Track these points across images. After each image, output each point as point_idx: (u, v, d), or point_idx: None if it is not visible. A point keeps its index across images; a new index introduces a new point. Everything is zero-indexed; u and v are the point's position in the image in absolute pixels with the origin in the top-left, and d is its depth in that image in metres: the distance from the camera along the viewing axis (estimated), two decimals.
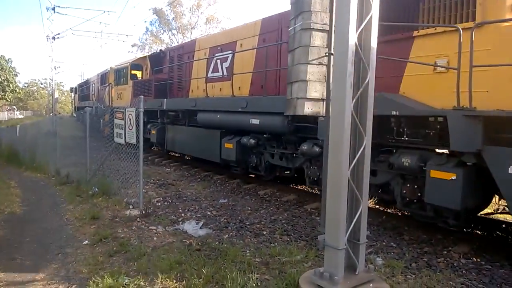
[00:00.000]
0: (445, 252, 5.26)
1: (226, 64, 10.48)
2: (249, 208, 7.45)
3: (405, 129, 5.95)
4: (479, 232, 6.25)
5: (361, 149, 3.55)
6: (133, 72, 16.85)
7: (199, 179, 10.45)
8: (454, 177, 5.03)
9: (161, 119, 13.79)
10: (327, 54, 3.57)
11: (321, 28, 3.78)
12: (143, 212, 6.87)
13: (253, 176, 10.29)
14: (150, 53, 18.69)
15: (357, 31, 3.26)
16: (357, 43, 3.27)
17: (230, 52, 10.20)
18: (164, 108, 12.92)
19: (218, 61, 10.84)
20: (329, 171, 3.51)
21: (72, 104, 40.60)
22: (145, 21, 60.29)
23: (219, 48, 10.94)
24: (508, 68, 4.59)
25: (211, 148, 10.38)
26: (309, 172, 7.63)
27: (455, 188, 5.01)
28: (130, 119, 7.61)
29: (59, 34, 28.22)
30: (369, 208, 6.89)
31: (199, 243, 5.42)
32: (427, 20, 5.75)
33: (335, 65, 3.33)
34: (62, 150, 12.67)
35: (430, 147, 5.77)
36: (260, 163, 9.17)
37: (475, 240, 5.69)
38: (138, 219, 6.62)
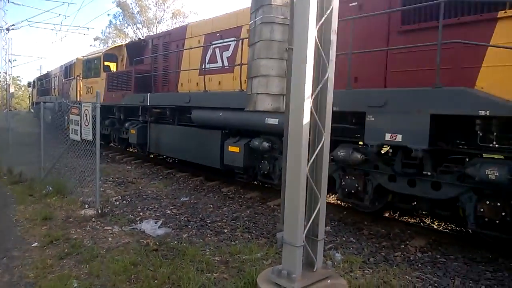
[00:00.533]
0: (402, 246, 5.36)
1: (227, 53, 9.16)
2: (211, 205, 7.32)
3: (491, 133, 4.81)
4: (435, 226, 6.42)
5: (320, 145, 3.51)
6: (106, 63, 14.93)
7: (161, 177, 10.19)
8: None
9: (142, 116, 12.02)
10: (287, 49, 3.50)
11: (282, 22, 3.71)
12: (99, 211, 6.60)
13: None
14: (127, 42, 16.30)
15: (316, 25, 3.21)
16: (316, 38, 3.22)
17: (233, 39, 8.88)
18: (147, 104, 11.23)
19: (217, 50, 9.45)
20: (288, 167, 3.45)
21: (29, 99, 38.60)
22: (108, 14, 58.22)
23: (218, 35, 9.52)
24: None
25: (210, 152, 8.97)
26: (342, 182, 6.32)
27: None
28: (86, 114, 7.29)
29: (13, 25, 26.78)
30: (330, 204, 7.00)
31: (157, 243, 5.25)
32: None
33: (294, 60, 3.27)
34: (17, 147, 12.06)
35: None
36: (274, 170, 7.73)
37: (431, 234, 5.83)
38: (93, 219, 6.35)
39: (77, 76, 17.53)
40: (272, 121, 7.14)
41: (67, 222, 6.32)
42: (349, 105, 5.83)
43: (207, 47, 9.70)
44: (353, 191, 6.21)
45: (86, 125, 7.23)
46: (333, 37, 3.35)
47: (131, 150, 14.89)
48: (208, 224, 6.13)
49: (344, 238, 5.62)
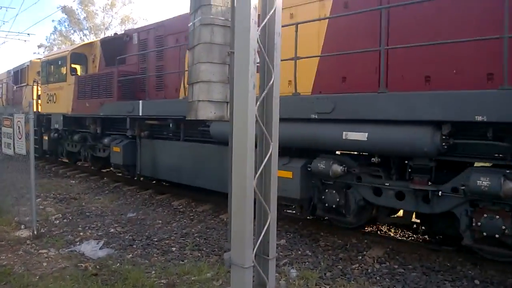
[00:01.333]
0: (360, 257, 5.19)
1: None
2: (160, 221, 6.87)
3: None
4: (392, 234, 6.34)
5: (268, 156, 3.24)
6: (73, 65, 12.32)
7: (107, 191, 9.57)
8: None
9: (131, 130, 9.48)
10: (229, 52, 3.22)
11: (223, 24, 3.43)
12: (35, 232, 6.01)
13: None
14: (102, 38, 13.15)
15: (259, 27, 2.95)
16: (259, 40, 2.95)
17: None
18: (139, 114, 8.85)
19: None
20: (233, 181, 3.14)
21: None
22: (52, 20, 55.54)
23: None
24: None
25: None
26: (474, 223, 4.57)
27: None
28: (19, 127, 6.67)
29: None
30: (285, 215, 6.71)
31: (97, 267, 4.79)
32: None
33: (236, 65, 2.99)
34: None
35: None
36: (347, 202, 5.71)
37: (389, 243, 5.71)
38: (28, 242, 5.76)
39: (34, 81, 14.96)
40: (356, 136, 5.13)
41: None
42: None
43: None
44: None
45: (19, 139, 6.61)
46: (277, 40, 3.10)
47: (84, 165, 13.16)
48: (155, 243, 5.70)
49: (299, 252, 5.38)
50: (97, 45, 11.87)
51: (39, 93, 14.40)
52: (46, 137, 13.73)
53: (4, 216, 7.03)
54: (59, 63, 12.74)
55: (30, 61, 16.33)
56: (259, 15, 2.99)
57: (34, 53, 43.82)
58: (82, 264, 4.89)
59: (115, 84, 9.77)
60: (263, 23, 3.08)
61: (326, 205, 5.86)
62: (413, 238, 6.15)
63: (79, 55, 12.29)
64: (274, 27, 3.13)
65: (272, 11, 3.10)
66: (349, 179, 5.65)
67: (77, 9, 40.61)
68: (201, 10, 3.39)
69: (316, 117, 5.55)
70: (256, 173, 3.15)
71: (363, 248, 5.52)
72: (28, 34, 41.35)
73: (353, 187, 5.67)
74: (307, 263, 4.98)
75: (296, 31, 5.81)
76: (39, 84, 14.50)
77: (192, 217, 7.21)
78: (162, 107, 8.36)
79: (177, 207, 7.94)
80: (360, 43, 5.63)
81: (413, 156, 5.01)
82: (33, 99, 14.31)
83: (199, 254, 5.24)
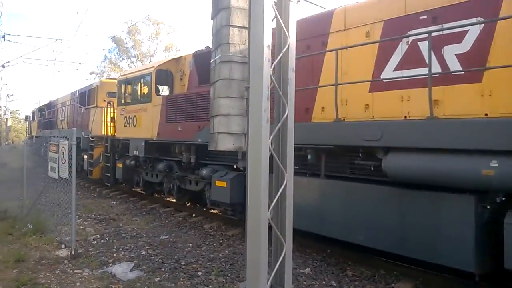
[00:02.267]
0: None
1: (459, 49, 5.02)
2: (190, 244, 7.04)
3: None
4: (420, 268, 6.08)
5: (282, 187, 3.31)
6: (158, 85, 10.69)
7: (144, 213, 9.92)
8: None
9: (243, 162, 7.51)
10: (246, 87, 3.36)
11: (241, 61, 3.59)
12: (73, 252, 6.33)
13: (203, 209, 9.31)
14: (195, 51, 10.09)
15: (272, 64, 3.07)
16: (272, 76, 3.07)
17: (474, 20, 4.86)
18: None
19: (421, 44, 5.31)
20: (248, 212, 3.23)
21: (26, 133, 37.32)
22: (103, 49, 59.38)
23: (423, 17, 5.43)
24: None
25: (442, 238, 4.77)
26: None
27: None
28: (63, 152, 7.14)
29: (9, 62, 27.15)
30: (314, 241, 6.65)
31: None
32: None
33: (251, 99, 3.12)
34: (8, 182, 11.79)
35: None
36: None
37: (419, 275, 5.49)
38: (65, 261, 6.08)
39: (108, 103, 13.57)
40: None
41: (39, 264, 6.06)
42: None
43: (396, 42, 5.62)
44: None
45: (63, 163, 7.07)
46: (291, 75, 3.21)
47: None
48: (183, 267, 5.83)
49: (324, 281, 5.32)
50: (186, 60, 10.20)
51: (112, 115, 13.26)
52: (120, 165, 12.23)
53: (48, 235, 7.46)
54: (141, 82, 11.14)
55: (100, 81, 15.62)
56: (273, 49, 3.12)
57: (86, 79, 46.70)
58: (112, 286, 5.10)
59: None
60: (277, 58, 3.20)
61: None
62: (444, 269, 5.89)
63: (164, 72, 10.52)
64: (288, 63, 3.25)
65: (286, 47, 3.23)
66: None
67: (125, 38, 43.22)
68: (221, 48, 3.57)
69: None
70: (270, 204, 3.24)
71: (391, 280, 5.36)
72: (80, 63, 44.15)
73: None
74: None
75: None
76: (113, 106, 13.13)
77: (221, 241, 7.32)
78: (303, 133, 6.08)
79: (208, 230, 8.09)
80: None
81: None
82: (102, 121, 13.70)
83: (224, 280, 5.31)
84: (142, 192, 12.39)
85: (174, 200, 10.79)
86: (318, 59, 6.62)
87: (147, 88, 10.89)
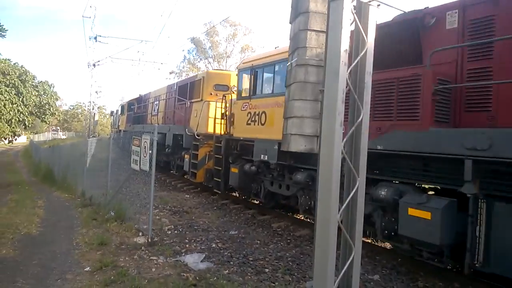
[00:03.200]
0: None
1: None
2: (258, 241, 7.20)
3: None
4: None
5: (354, 190, 3.30)
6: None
7: (215, 208, 10.31)
8: None
9: (470, 184, 4.78)
10: (321, 90, 3.41)
11: (317, 64, 3.64)
12: (149, 240, 6.79)
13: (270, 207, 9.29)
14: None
15: (349, 68, 3.08)
16: (348, 80, 3.08)
17: None
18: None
19: None
20: (318, 214, 3.27)
21: (111, 127, 39.46)
22: (183, 50, 62.65)
23: None
24: None
25: None
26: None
27: None
28: (145, 146, 7.67)
29: (99, 61, 29.59)
30: (384, 249, 6.50)
31: (197, 278, 5.24)
32: None
33: (325, 102, 3.13)
34: (93, 171, 12.86)
35: None
36: None
37: None
38: (142, 248, 6.53)
39: (223, 96, 11.62)
40: None
41: (119, 248, 6.57)
42: None
43: None
44: None
45: (144, 156, 7.58)
46: (368, 79, 3.19)
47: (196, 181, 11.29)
48: (250, 262, 6.01)
49: None
50: None
51: (222, 111, 11.52)
52: (235, 170, 9.99)
53: (127, 223, 8.06)
54: (279, 68, 8.89)
55: (206, 71, 14.19)
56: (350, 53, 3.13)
57: (166, 78, 49.44)
58: (184, 274, 5.40)
59: (426, 96, 5.29)
60: (354, 62, 3.20)
61: None
62: None
63: None
64: (365, 67, 3.23)
65: (363, 51, 3.21)
66: None
67: (203, 39, 45.11)
68: (298, 52, 3.65)
69: None
70: (340, 207, 3.24)
71: None
72: (161, 63, 46.77)
73: None
74: None
75: None
76: (230, 99, 11.16)
77: (289, 240, 7.40)
78: None
79: (276, 229, 8.21)
80: None
81: None
82: (209, 117, 12.20)
83: (290, 279, 5.39)
84: (260, 204, 10.20)
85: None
86: None
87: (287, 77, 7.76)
